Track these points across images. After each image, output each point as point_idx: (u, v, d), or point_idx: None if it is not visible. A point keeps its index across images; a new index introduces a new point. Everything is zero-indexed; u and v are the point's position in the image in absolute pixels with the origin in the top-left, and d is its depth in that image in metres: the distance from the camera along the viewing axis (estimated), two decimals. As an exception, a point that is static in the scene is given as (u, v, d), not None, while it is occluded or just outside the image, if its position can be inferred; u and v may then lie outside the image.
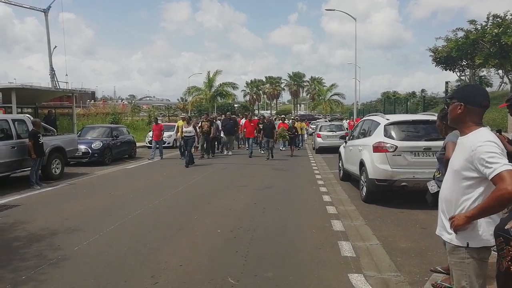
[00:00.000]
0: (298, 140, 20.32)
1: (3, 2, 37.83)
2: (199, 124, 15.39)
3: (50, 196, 8.10)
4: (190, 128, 13.52)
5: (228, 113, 21.84)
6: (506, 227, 1.49)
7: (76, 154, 12.26)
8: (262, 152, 16.93)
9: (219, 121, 17.90)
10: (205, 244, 4.88)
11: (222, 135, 17.20)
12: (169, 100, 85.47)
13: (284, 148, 18.69)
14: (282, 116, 25.44)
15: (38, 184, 9.02)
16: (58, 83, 39.47)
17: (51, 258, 4.35)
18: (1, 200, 7.49)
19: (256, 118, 20.69)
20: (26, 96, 13.73)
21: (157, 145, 15.05)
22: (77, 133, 14.31)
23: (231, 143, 17.44)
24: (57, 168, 10.52)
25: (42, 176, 9.55)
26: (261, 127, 16.28)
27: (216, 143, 17.21)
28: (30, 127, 9.47)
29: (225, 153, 17.02)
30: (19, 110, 13.33)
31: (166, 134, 17.20)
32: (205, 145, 15.51)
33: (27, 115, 10.93)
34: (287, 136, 16.64)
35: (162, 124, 17.16)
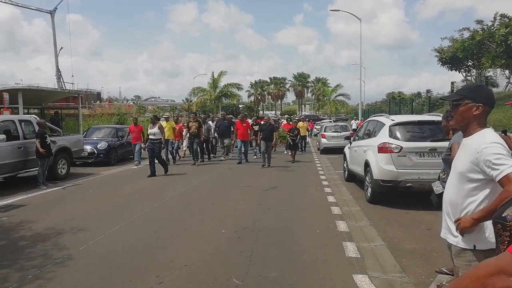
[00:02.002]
0: (304, 141, 18.78)
1: (9, 3, 38.17)
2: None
3: (56, 196, 8.16)
4: (155, 130, 10.89)
5: (222, 112, 20.31)
6: (503, 215, 1.50)
7: (82, 155, 12.35)
8: (255, 157, 14.97)
9: (213, 122, 15.98)
10: (209, 244, 4.89)
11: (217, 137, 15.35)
12: (174, 101, 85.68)
13: (289, 152, 15.39)
14: (286, 116, 24.47)
15: (44, 184, 9.08)
16: (64, 84, 39.87)
17: (56, 257, 4.38)
18: (8, 200, 7.56)
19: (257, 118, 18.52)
20: (33, 97, 13.85)
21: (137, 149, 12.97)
22: (83, 134, 14.41)
23: (227, 147, 15.30)
24: (63, 169, 10.60)
25: (48, 176, 9.60)
26: (257, 129, 14.19)
27: (209, 146, 15.20)
28: (37, 127, 9.55)
29: (222, 158, 14.89)
30: (26, 110, 13.45)
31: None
32: (194, 149, 13.22)
33: (33, 115, 11.03)
34: (288, 138, 14.33)
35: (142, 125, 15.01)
